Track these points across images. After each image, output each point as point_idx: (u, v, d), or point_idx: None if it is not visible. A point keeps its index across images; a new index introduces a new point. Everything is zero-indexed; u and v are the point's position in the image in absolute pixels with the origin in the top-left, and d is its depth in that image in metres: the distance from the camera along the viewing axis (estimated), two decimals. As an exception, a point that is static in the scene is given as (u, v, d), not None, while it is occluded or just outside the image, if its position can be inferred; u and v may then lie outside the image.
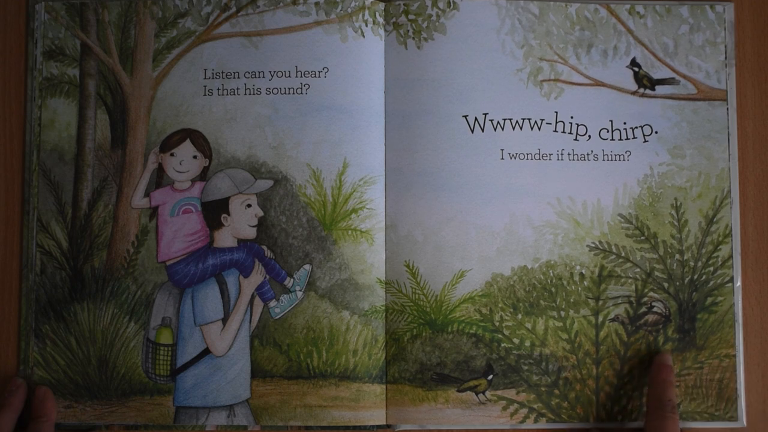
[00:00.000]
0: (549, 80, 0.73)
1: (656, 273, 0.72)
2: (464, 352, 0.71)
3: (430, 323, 0.71)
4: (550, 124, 0.73)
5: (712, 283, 0.72)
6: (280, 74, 0.73)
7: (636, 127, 0.73)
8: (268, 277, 0.72)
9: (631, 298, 0.72)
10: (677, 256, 0.72)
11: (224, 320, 0.71)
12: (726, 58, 0.74)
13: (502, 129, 0.72)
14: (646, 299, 0.72)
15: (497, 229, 0.72)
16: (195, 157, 0.73)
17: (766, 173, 0.74)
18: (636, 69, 0.74)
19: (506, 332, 0.71)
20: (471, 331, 0.71)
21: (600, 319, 0.72)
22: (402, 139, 0.72)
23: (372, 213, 0.72)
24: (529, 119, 0.73)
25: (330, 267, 0.72)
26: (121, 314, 0.71)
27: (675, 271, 0.72)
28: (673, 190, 0.73)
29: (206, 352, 0.71)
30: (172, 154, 0.73)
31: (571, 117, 0.73)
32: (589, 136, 0.73)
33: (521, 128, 0.73)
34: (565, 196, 0.72)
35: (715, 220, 0.73)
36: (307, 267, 0.72)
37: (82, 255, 0.72)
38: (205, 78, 0.73)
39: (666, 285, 0.72)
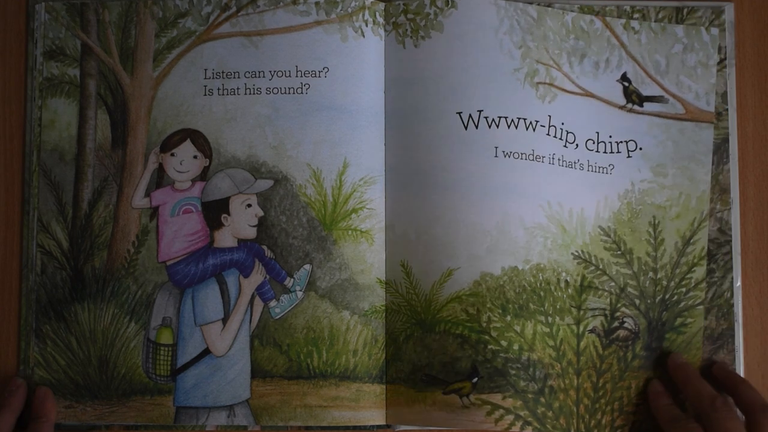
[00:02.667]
0: (544, 83, 0.72)
1: (629, 289, 0.72)
2: (449, 353, 0.69)
3: (420, 323, 0.70)
4: (544, 126, 0.72)
5: (683, 304, 0.72)
6: (280, 74, 0.73)
7: (621, 142, 0.73)
8: (268, 277, 0.72)
9: (606, 312, 0.71)
10: (651, 274, 0.72)
11: (224, 320, 0.71)
12: (716, 81, 0.74)
13: (497, 126, 0.71)
14: (618, 314, 0.72)
15: (488, 227, 0.70)
16: (195, 157, 0.73)
17: (766, 173, 0.74)
18: (626, 84, 0.73)
19: (494, 333, 0.69)
20: (457, 332, 0.69)
21: (581, 328, 0.71)
22: (400, 138, 0.72)
23: (372, 213, 0.72)
24: (524, 119, 0.71)
25: (330, 267, 0.72)
26: (121, 314, 0.71)
27: (647, 289, 0.72)
28: (653, 208, 0.73)
29: (206, 352, 0.71)
30: (172, 154, 0.73)
31: (562, 123, 0.72)
32: (577, 145, 0.73)
33: (516, 127, 0.71)
34: (555, 201, 0.71)
35: (692, 241, 0.73)
36: (308, 267, 0.72)
37: (83, 255, 0.72)
38: (205, 78, 0.73)
39: (637, 302, 0.72)
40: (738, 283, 0.73)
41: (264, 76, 0.73)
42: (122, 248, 0.72)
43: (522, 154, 0.71)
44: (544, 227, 0.71)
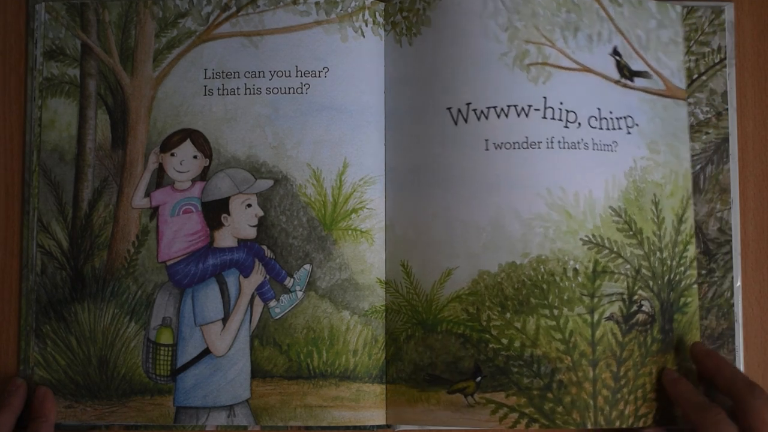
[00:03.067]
0: (536, 64, 0.69)
1: (643, 270, 0.70)
2: (452, 353, 0.69)
3: (422, 323, 0.70)
4: (539, 110, 0.69)
5: (683, 283, 0.71)
6: (280, 74, 0.73)
7: (620, 118, 0.71)
8: (268, 277, 0.72)
9: (624, 296, 0.69)
10: (658, 253, 0.70)
11: (224, 320, 0.71)
12: (686, 56, 0.73)
13: (486, 118, 0.69)
14: (636, 297, 0.69)
15: (483, 224, 0.68)
16: (195, 157, 0.73)
17: (766, 173, 0.74)
18: (618, 57, 0.71)
19: (494, 332, 0.68)
20: (459, 331, 0.69)
21: (596, 317, 0.68)
22: (398, 138, 0.72)
23: (372, 213, 0.72)
24: (515, 106, 0.69)
25: (330, 267, 0.72)
26: (121, 314, 0.71)
27: (657, 269, 0.70)
28: (653, 186, 0.71)
29: (206, 352, 0.71)
30: (172, 154, 0.73)
31: (561, 103, 0.69)
32: (579, 124, 0.70)
33: (507, 116, 0.69)
34: (556, 187, 0.68)
35: (683, 219, 0.71)
36: (308, 267, 0.72)
37: (83, 255, 0.72)
38: (205, 78, 0.73)
39: (651, 283, 0.70)
40: (738, 283, 0.73)
41: (264, 76, 0.73)
42: (122, 248, 0.72)
43: (514, 143, 0.69)
44: (544, 216, 0.68)
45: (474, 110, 0.69)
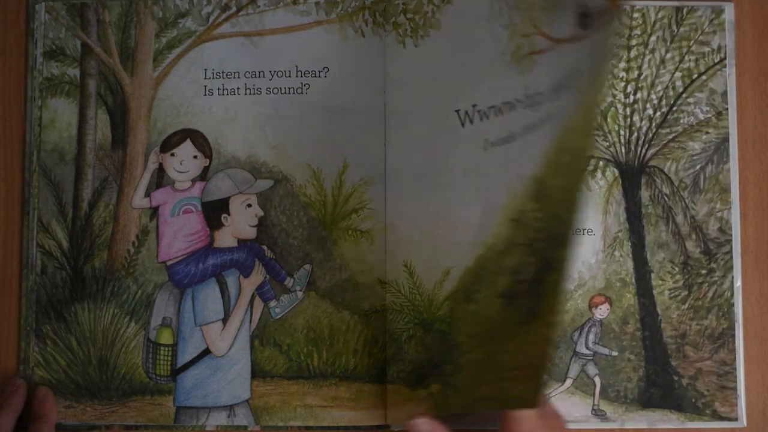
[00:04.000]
0: (527, 55, 0.68)
1: (545, 232, 0.60)
2: None
3: (423, 323, 0.70)
4: (521, 101, 0.67)
5: (569, 232, 0.59)
6: (280, 74, 0.73)
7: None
8: (268, 277, 0.72)
9: (516, 269, 0.62)
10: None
11: (224, 320, 0.71)
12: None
13: (488, 118, 0.69)
14: (521, 265, 0.63)
15: (487, 222, 0.67)
16: (195, 157, 0.73)
17: (766, 173, 0.74)
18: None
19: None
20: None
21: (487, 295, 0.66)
22: (401, 139, 0.72)
23: (372, 213, 0.72)
24: (509, 102, 0.68)
25: (330, 267, 0.72)
26: (121, 314, 0.71)
27: (560, 229, 0.60)
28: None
29: (206, 352, 0.71)
30: (172, 154, 0.73)
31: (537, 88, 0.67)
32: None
33: (502, 113, 0.69)
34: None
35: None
36: (308, 267, 0.72)
37: (83, 255, 0.72)
38: (205, 78, 0.73)
39: (544, 245, 0.58)
40: (738, 283, 0.73)
41: (264, 76, 0.73)
42: (122, 248, 0.72)
43: (506, 138, 0.67)
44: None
45: (478, 111, 0.70)
